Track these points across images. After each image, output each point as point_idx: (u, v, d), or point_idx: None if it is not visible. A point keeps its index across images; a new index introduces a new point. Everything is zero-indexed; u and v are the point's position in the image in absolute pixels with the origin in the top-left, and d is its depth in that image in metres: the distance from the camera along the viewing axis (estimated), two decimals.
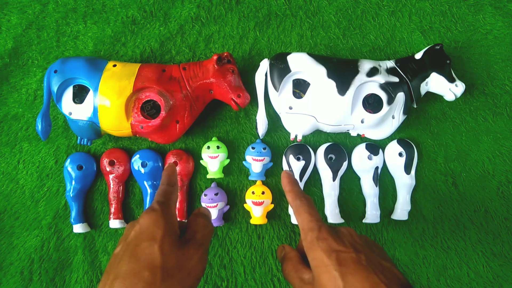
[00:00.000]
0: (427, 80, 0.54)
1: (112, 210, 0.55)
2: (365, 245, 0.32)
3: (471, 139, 0.58)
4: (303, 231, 0.33)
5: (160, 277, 0.29)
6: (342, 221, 0.54)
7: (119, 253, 0.30)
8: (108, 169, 0.55)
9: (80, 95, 0.53)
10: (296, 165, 0.54)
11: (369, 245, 0.33)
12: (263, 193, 0.54)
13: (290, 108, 0.53)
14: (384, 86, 0.53)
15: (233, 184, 0.57)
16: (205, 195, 0.54)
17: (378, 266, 0.30)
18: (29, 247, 0.56)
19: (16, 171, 0.58)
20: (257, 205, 0.54)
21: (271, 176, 0.57)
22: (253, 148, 0.55)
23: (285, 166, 0.56)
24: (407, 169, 0.55)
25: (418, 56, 0.55)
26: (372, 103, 0.53)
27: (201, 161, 0.56)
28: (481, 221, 0.56)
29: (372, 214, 0.55)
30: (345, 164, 0.55)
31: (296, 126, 0.54)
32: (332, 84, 0.52)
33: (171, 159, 0.55)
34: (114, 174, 0.55)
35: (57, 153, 0.58)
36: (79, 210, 0.55)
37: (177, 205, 0.55)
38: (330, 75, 0.52)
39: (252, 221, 0.55)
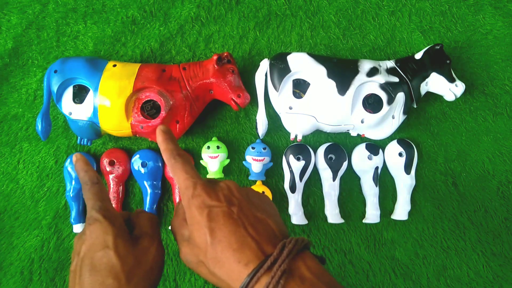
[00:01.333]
0: (427, 80, 0.54)
1: None
2: (243, 198, 0.31)
3: (471, 139, 0.58)
4: (181, 190, 0.32)
5: (124, 280, 0.29)
6: (342, 221, 0.54)
7: (75, 268, 0.31)
8: (108, 169, 0.55)
9: (80, 95, 0.53)
10: (296, 165, 0.54)
11: (248, 198, 0.31)
12: (263, 193, 0.54)
13: (290, 108, 0.53)
14: (384, 86, 0.53)
15: None
16: None
17: (250, 219, 0.29)
18: (29, 247, 0.56)
19: (16, 171, 0.58)
20: None
21: (271, 176, 0.57)
22: (253, 148, 0.55)
23: (285, 166, 0.56)
24: (407, 169, 0.55)
25: (418, 56, 0.55)
26: (372, 103, 0.53)
27: (201, 161, 0.56)
28: (481, 221, 0.56)
29: (372, 214, 0.55)
30: (345, 164, 0.55)
31: (296, 126, 0.54)
32: (332, 84, 0.52)
33: None
34: (114, 174, 0.55)
35: (57, 153, 0.58)
36: (79, 210, 0.55)
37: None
38: (330, 75, 0.52)
39: None
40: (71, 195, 0.54)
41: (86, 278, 0.29)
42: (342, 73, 0.52)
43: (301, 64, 0.53)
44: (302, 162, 0.55)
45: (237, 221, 0.28)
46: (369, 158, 0.55)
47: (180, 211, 0.34)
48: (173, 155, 0.33)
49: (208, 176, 0.55)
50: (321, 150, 0.56)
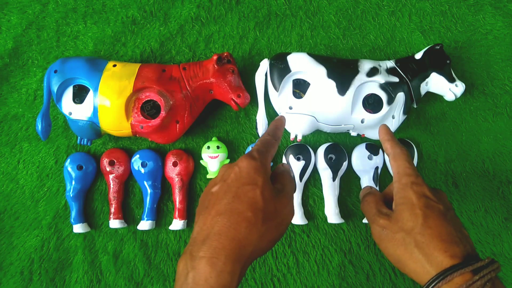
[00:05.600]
0: (427, 80, 0.54)
1: (112, 210, 0.55)
2: (452, 208, 0.36)
3: (471, 139, 0.58)
4: (398, 175, 0.36)
5: (261, 220, 0.30)
6: (342, 221, 0.54)
7: (219, 192, 0.31)
8: (108, 169, 0.55)
9: (80, 95, 0.53)
10: (296, 165, 0.54)
11: (454, 213, 0.36)
12: None
13: (290, 108, 0.53)
14: (384, 86, 0.53)
15: None
16: None
17: (458, 227, 0.33)
18: (29, 247, 0.56)
19: (16, 171, 0.58)
20: None
21: None
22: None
23: None
24: None
25: (418, 56, 0.55)
26: (372, 103, 0.53)
27: (201, 161, 0.56)
28: (481, 221, 0.56)
29: None
30: (345, 164, 0.55)
31: (296, 126, 0.53)
32: (332, 84, 0.52)
33: (171, 159, 0.55)
34: (114, 174, 0.55)
35: (57, 153, 0.58)
36: (79, 210, 0.55)
37: (178, 205, 0.55)
38: (330, 75, 0.52)
39: None
40: (71, 195, 0.54)
41: (226, 202, 0.30)
42: (342, 73, 0.52)
43: (301, 64, 0.53)
44: (302, 162, 0.55)
45: (449, 221, 0.33)
46: (369, 158, 0.55)
47: (375, 192, 0.40)
48: (399, 146, 0.38)
49: (208, 176, 0.55)
50: (321, 150, 0.56)
